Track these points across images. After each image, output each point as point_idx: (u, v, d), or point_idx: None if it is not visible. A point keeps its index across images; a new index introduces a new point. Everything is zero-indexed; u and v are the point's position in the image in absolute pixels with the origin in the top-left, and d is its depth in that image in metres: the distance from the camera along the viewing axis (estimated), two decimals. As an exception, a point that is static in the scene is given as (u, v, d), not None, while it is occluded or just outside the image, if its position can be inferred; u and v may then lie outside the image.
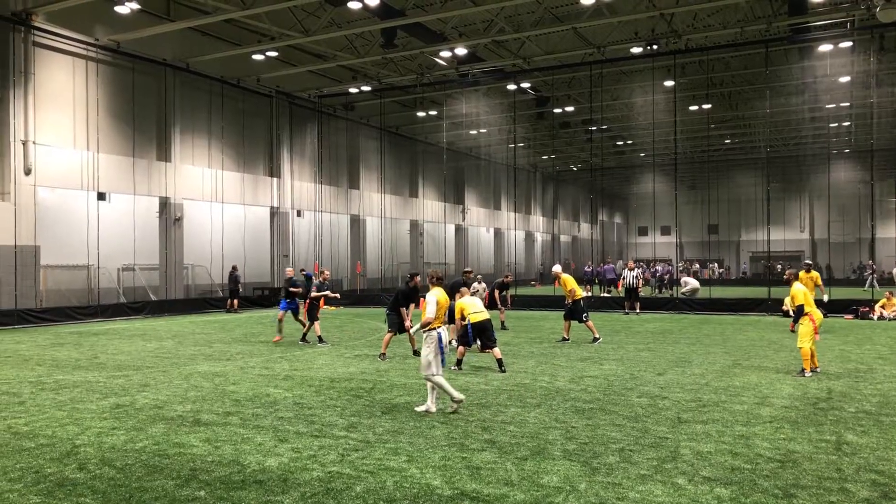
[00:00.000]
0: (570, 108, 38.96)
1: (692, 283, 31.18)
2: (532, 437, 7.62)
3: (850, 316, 22.83)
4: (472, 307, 12.50)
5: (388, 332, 14.00)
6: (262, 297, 30.71)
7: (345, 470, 6.47)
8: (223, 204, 30.25)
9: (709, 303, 26.61)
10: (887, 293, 22.90)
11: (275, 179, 33.64)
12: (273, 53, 28.41)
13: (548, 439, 7.50)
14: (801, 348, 11.62)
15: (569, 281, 16.54)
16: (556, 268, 17.93)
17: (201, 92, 29.74)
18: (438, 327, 8.89)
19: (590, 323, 16.28)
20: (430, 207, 45.67)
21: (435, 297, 8.94)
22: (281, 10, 24.17)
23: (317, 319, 16.38)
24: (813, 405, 9.24)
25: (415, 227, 44.61)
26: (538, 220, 61.01)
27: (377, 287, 36.52)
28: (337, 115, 37.34)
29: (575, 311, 16.26)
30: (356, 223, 39.28)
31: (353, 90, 33.81)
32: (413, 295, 14.10)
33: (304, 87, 33.65)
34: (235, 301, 27.58)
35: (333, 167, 37.55)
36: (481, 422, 8.32)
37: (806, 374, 11.43)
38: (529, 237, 59.57)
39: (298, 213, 34.99)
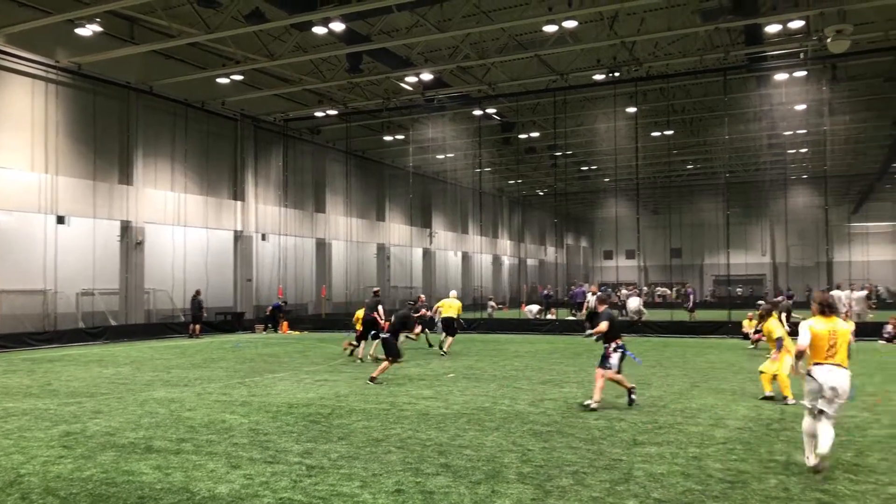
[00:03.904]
0: (535, 134, 39.36)
1: (633, 303, 31.40)
2: (488, 460, 7.61)
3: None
4: None
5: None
6: (224, 322, 30.34)
7: (296, 496, 6.39)
8: (186, 227, 29.90)
9: (671, 326, 26.94)
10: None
11: (239, 203, 33.37)
12: (238, 77, 28.33)
13: (503, 462, 7.50)
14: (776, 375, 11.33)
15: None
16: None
17: (165, 115, 29.50)
18: None
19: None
20: (396, 231, 45.64)
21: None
22: (246, 34, 24.15)
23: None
24: (766, 426, 9.38)
25: (381, 250, 44.52)
26: (505, 244, 61.31)
27: (343, 311, 36.28)
28: (303, 139, 37.28)
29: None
30: (322, 247, 39.06)
31: (319, 114, 33.77)
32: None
33: (270, 110, 33.57)
34: (198, 326, 27.19)
35: (299, 191, 37.39)
36: (438, 446, 8.29)
37: (790, 402, 11.02)
38: (497, 261, 59.80)
39: (263, 237, 34.69)
